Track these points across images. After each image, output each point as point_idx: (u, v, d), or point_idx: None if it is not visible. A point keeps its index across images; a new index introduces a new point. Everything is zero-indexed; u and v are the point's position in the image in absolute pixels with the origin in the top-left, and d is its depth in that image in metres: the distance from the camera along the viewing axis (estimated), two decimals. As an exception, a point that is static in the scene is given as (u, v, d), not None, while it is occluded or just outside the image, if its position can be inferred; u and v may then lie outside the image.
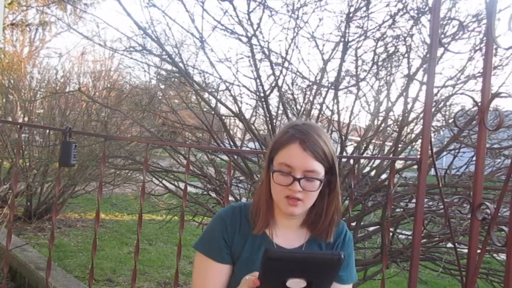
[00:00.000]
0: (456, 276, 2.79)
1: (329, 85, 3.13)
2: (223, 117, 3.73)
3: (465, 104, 3.16)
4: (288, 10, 3.06)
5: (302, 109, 3.28)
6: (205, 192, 3.65)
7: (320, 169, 1.15)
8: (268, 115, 3.23)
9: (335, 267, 0.92)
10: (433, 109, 2.09)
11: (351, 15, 2.92)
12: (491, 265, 3.10)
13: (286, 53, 3.11)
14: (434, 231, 2.64)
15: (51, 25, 13.93)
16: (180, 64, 3.44)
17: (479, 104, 1.72)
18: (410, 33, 2.87)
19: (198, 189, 3.77)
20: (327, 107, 3.19)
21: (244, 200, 3.49)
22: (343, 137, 3.06)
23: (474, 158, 2.30)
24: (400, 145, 2.95)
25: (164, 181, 3.73)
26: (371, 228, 3.22)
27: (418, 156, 2.00)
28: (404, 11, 2.83)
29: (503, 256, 2.13)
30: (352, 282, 1.28)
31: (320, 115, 3.19)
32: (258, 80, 3.23)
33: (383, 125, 3.14)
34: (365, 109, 3.16)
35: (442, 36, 2.71)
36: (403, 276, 2.98)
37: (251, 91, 3.36)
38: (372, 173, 3.22)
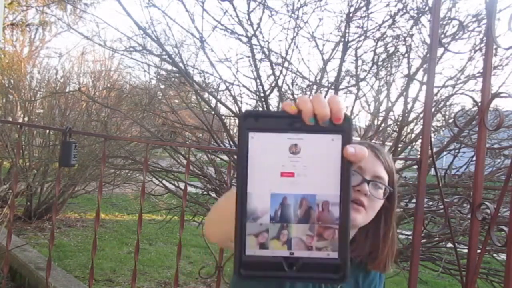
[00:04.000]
0: (456, 276, 2.79)
1: (329, 85, 3.13)
2: (223, 117, 3.73)
3: (465, 104, 3.17)
4: (288, 10, 3.06)
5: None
6: (205, 192, 3.65)
7: (386, 180, 1.08)
8: (268, 115, 3.23)
9: None
10: (433, 109, 2.08)
11: (351, 15, 2.92)
12: (491, 265, 3.10)
13: (286, 53, 3.11)
14: (434, 231, 2.64)
15: (51, 25, 13.94)
16: (180, 64, 3.44)
17: (479, 104, 1.72)
18: (410, 33, 2.87)
19: (198, 189, 3.77)
20: (327, 107, 3.18)
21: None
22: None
23: (474, 158, 2.30)
24: (400, 145, 2.95)
25: (164, 181, 3.73)
26: (371, 228, 3.21)
27: (418, 156, 2.00)
28: (404, 11, 2.84)
29: (503, 256, 2.13)
30: None
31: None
32: (258, 80, 3.23)
33: (383, 125, 3.14)
34: (365, 109, 3.16)
35: (442, 36, 2.71)
36: (403, 276, 2.97)
37: (251, 91, 3.36)
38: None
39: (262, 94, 3.22)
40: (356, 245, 1.10)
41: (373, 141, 3.19)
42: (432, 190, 2.72)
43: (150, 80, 5.56)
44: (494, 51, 2.09)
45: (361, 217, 1.03)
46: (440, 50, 2.43)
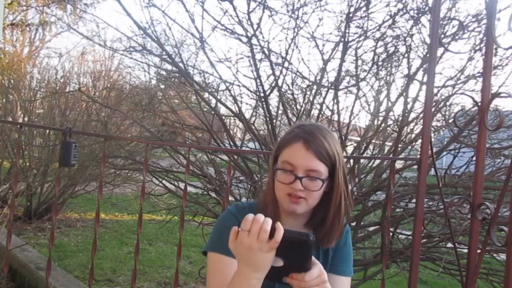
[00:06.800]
0: (456, 276, 2.79)
1: (329, 85, 3.13)
2: (223, 117, 3.73)
3: (465, 104, 3.16)
4: (288, 10, 3.06)
5: (302, 109, 3.28)
6: (205, 192, 3.65)
7: (323, 169, 1.15)
8: (268, 115, 3.23)
9: (303, 248, 0.91)
10: (433, 109, 2.08)
11: (351, 15, 2.92)
12: (491, 265, 3.10)
13: (286, 53, 3.11)
14: (434, 231, 2.64)
15: (51, 25, 13.96)
16: (180, 64, 3.44)
17: (479, 104, 1.72)
18: (410, 33, 2.87)
19: (198, 189, 3.77)
20: (327, 107, 3.19)
21: (244, 200, 3.49)
22: (343, 137, 3.06)
23: (474, 158, 2.30)
24: (400, 145, 2.95)
25: (164, 181, 3.73)
26: (371, 228, 3.22)
27: (418, 156, 2.00)
28: (404, 11, 2.83)
29: (503, 256, 2.13)
30: (349, 276, 1.27)
31: (320, 115, 3.19)
32: (258, 80, 3.23)
33: (383, 125, 3.14)
34: (365, 109, 3.16)
35: (442, 36, 2.71)
36: (403, 276, 2.98)
37: (251, 91, 3.36)
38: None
39: (262, 94, 3.22)
40: (310, 224, 1.24)
41: (377, 140, 3.19)
42: (432, 190, 2.71)
43: (150, 80, 5.56)
44: (494, 51, 2.09)
45: (301, 207, 1.17)
46: (440, 50, 2.43)
